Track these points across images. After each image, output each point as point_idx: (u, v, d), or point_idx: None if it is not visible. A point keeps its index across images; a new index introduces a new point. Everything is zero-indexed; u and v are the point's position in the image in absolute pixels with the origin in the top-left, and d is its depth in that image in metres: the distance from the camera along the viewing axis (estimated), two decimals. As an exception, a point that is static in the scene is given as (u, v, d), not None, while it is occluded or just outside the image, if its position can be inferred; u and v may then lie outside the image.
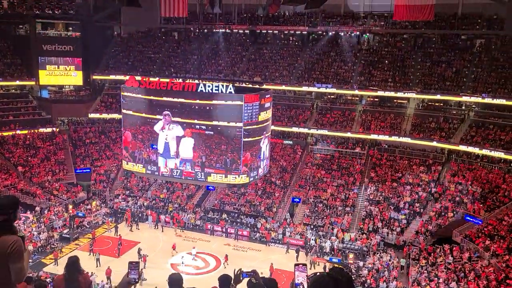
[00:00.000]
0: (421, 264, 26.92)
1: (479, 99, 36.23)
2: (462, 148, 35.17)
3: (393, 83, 39.98)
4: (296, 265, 3.64)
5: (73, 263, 5.29)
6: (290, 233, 32.45)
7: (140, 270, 4.14)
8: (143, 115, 28.55)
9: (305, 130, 40.69)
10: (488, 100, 35.61)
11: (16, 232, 3.86)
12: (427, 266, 26.45)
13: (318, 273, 2.87)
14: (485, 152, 33.95)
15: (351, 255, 29.23)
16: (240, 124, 26.46)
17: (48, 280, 20.14)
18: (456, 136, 36.10)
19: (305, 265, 3.67)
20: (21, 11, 40.63)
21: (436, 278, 24.49)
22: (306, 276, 3.47)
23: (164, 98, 27.49)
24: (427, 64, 40.62)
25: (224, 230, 33.55)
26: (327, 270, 3.52)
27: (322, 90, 41.58)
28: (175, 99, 27.43)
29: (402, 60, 41.81)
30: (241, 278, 4.71)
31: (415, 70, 40.66)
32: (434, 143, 36.40)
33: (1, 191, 33.50)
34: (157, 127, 28.17)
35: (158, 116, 28.02)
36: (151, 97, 27.99)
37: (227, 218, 34.72)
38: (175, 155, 28.13)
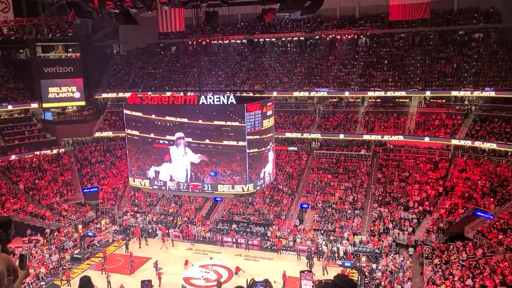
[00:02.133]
0: (435, 263, 26.68)
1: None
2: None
3: (393, 82, 39.99)
4: (301, 272, 3.64)
5: (86, 283, 5.29)
6: (301, 239, 32.30)
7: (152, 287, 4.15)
8: (145, 135, 28.65)
9: (309, 136, 40.72)
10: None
11: (7, 251, 3.87)
12: (441, 264, 26.22)
13: (323, 281, 2.88)
14: (479, 145, 33.94)
15: (363, 258, 29.00)
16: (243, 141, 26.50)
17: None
18: (461, 131, 35.95)
19: (310, 271, 3.67)
20: (21, 37, 41.04)
21: (451, 276, 24.25)
22: (312, 282, 3.48)
23: (166, 118, 27.62)
24: (426, 62, 40.62)
25: (234, 240, 33.45)
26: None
27: (323, 94, 41.69)
28: (177, 119, 27.51)
29: (401, 59, 41.84)
30: None
31: (415, 68, 40.67)
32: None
33: (11, 215, 33.58)
34: (175, 153, 27.99)
35: (152, 135, 28.11)
36: (152, 116, 28.12)
37: (237, 229, 34.64)
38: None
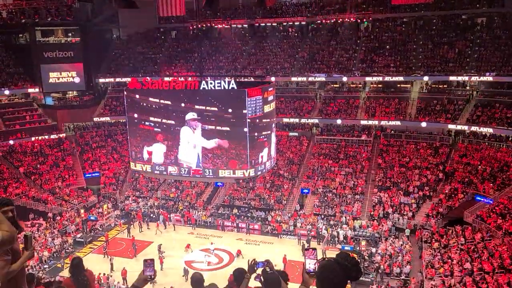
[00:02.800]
0: (433, 247, 26.92)
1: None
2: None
3: (395, 68, 39.80)
4: (306, 250, 3.65)
5: (77, 264, 5.39)
6: (301, 224, 32.54)
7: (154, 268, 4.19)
8: (148, 117, 28.66)
9: (310, 121, 40.76)
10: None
11: None
12: (440, 248, 26.46)
13: (325, 259, 2.91)
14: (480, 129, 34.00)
15: (363, 242, 29.26)
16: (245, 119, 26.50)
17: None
18: (462, 116, 35.92)
19: (315, 249, 3.69)
20: (20, 20, 40.81)
21: (449, 260, 24.50)
22: (316, 260, 3.50)
23: (166, 102, 27.67)
24: (429, 47, 40.35)
25: (235, 225, 33.69)
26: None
27: (321, 79, 41.62)
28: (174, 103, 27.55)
29: (403, 44, 41.55)
30: (255, 268, 4.78)
31: (417, 53, 40.42)
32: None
33: (13, 200, 33.74)
34: (186, 135, 27.94)
35: (155, 119, 28.17)
36: (154, 99, 28.10)
37: (238, 213, 34.86)
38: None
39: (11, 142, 39.77)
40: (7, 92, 42.65)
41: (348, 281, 2.83)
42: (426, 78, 38.22)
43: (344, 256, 2.86)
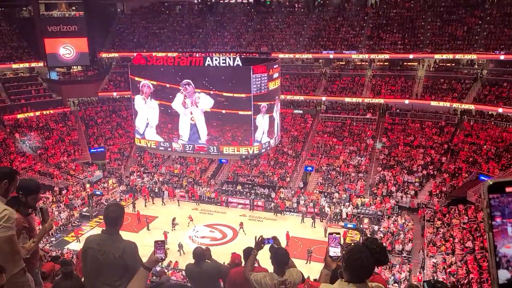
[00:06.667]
0: (436, 225, 27.12)
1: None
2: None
3: (402, 45, 39.23)
4: (329, 234, 3.63)
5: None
6: (305, 201, 32.76)
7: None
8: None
9: (315, 98, 40.56)
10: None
11: (23, 213, 3.91)
12: (442, 227, 26.65)
13: (353, 243, 2.90)
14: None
15: (365, 220, 29.51)
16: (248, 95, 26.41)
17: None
18: (469, 96, 35.57)
19: (338, 234, 3.66)
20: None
21: (451, 238, 24.71)
22: (340, 246, 3.49)
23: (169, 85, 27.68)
24: (437, 24, 39.65)
25: (239, 201, 33.96)
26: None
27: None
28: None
29: (411, 21, 40.82)
30: (262, 245, 4.88)
31: (425, 30, 39.76)
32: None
33: (19, 173, 34.05)
34: (176, 104, 27.90)
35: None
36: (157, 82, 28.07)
37: (242, 190, 35.09)
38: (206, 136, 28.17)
39: (20, 116, 40.07)
40: (26, 64, 43.09)
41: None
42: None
43: (372, 241, 2.85)
